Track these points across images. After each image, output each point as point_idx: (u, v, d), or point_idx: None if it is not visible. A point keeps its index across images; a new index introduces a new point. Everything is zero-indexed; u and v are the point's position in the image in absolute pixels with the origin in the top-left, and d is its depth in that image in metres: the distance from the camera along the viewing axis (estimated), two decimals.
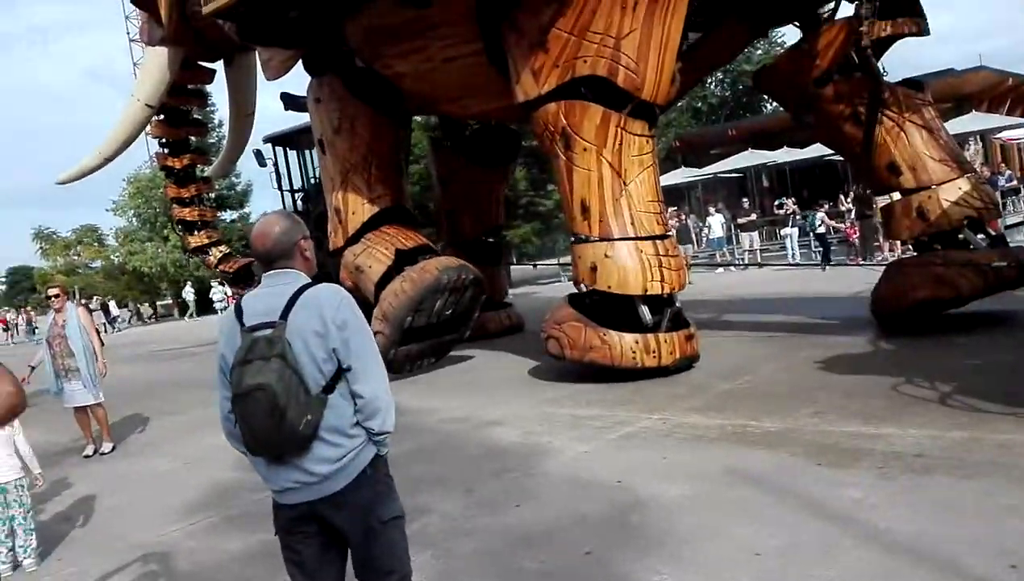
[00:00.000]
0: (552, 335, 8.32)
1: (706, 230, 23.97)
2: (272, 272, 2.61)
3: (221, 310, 29.75)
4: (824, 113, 9.40)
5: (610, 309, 8.06)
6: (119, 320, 35.53)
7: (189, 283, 34.93)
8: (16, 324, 38.75)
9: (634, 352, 7.79)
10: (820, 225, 19.26)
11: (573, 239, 8.38)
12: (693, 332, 8.26)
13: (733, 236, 23.24)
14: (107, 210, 37.79)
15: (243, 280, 16.39)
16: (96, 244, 42.29)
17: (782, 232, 23.06)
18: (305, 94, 11.48)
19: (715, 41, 9.50)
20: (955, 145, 9.18)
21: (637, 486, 4.75)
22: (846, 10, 9.27)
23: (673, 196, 28.29)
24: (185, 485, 6.37)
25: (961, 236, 8.76)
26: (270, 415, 2.37)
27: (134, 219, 37.13)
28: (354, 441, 2.53)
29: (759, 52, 31.25)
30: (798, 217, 21.82)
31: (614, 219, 7.97)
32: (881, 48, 8.98)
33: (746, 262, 20.94)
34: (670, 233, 8.48)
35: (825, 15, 9.59)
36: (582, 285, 8.29)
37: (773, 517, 4.04)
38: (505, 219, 15.99)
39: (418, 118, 17.46)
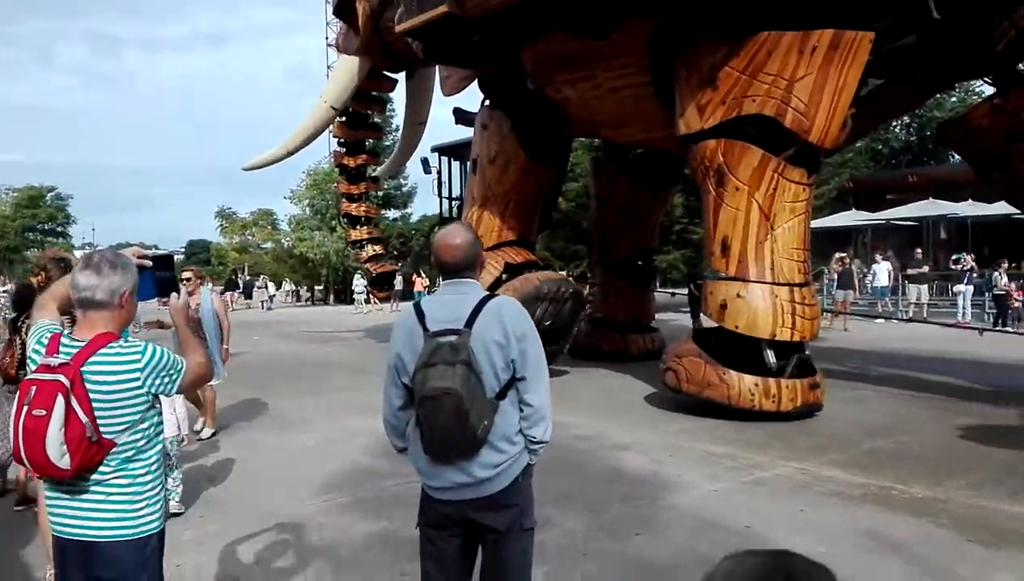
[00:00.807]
0: (671, 367, 8.43)
1: (870, 277, 22.74)
2: (454, 280, 2.73)
3: (362, 301, 31.06)
4: (1014, 171, 8.90)
5: (736, 349, 8.04)
6: (275, 299, 37.39)
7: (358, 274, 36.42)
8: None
9: (752, 394, 7.80)
10: (996, 286, 17.89)
11: (708, 274, 8.45)
12: (818, 381, 8.17)
13: (900, 287, 21.91)
14: (285, 198, 40.53)
15: (382, 283, 17.14)
16: (269, 227, 45.33)
17: (955, 289, 21.51)
18: (476, 111, 12.02)
19: (897, 90, 9.17)
20: None
21: (767, 535, 4.64)
22: None
23: (840, 238, 27.05)
24: (323, 463, 6.69)
25: None
26: (455, 418, 2.51)
27: (307, 208, 39.55)
28: (515, 448, 2.65)
29: (953, 100, 29.33)
30: (975, 275, 20.28)
31: (754, 261, 8.02)
32: None
33: (910, 315, 19.72)
34: (810, 282, 8.41)
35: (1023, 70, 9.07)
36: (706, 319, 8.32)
37: None
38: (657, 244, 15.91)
39: (582, 138, 17.74)
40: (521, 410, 2.66)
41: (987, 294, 18.90)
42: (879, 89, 9.52)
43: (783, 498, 5.42)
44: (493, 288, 10.33)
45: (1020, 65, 9.15)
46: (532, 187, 11.50)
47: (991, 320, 17.40)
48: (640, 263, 13.51)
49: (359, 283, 31.68)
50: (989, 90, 9.72)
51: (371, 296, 26.82)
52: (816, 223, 26.92)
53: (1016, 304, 17.72)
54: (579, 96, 10.18)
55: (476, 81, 12.16)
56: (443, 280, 2.78)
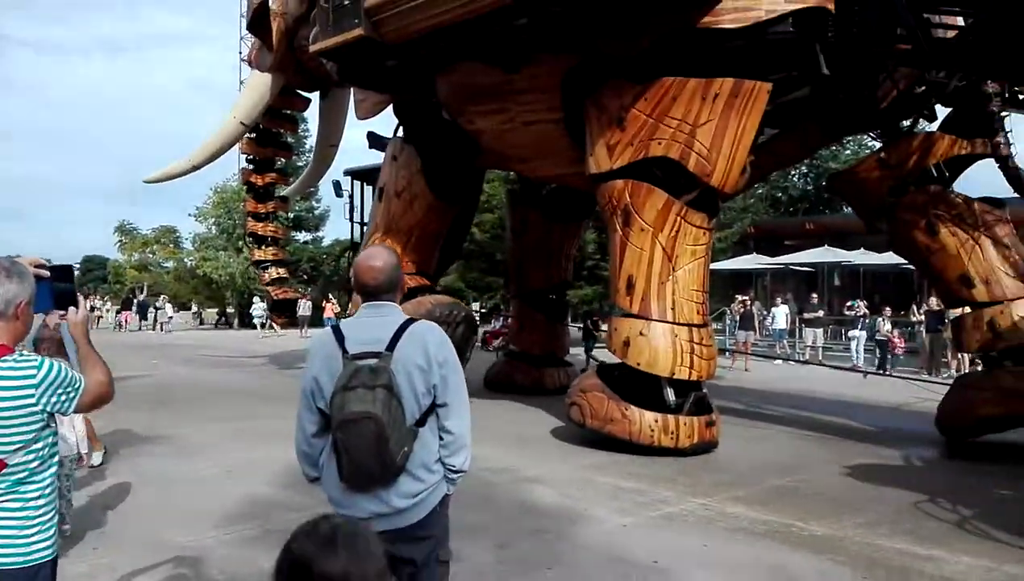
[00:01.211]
0: (576, 402, 8.62)
1: (769, 319, 23.61)
2: (375, 303, 2.69)
3: (260, 325, 30.29)
4: (898, 221, 9.51)
5: (638, 384, 8.29)
6: (173, 320, 34.78)
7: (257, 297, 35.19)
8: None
9: (652, 430, 8.05)
10: (879, 332, 18.91)
11: (613, 311, 8.71)
12: (714, 419, 8.50)
13: (797, 330, 22.81)
14: (189, 215, 39.28)
15: (283, 310, 16.70)
16: (172, 245, 43.71)
17: (849, 334, 22.60)
18: (390, 137, 12.03)
19: (789, 140, 9.74)
20: None
21: (673, 570, 4.74)
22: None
23: (742, 281, 28.08)
24: (226, 493, 6.50)
25: None
26: (376, 444, 2.44)
27: (213, 227, 38.34)
28: (434, 477, 2.60)
29: (847, 152, 31.03)
30: (867, 320, 21.36)
31: (656, 300, 8.29)
32: (957, 167, 9.07)
33: (806, 358, 20.56)
34: (708, 323, 8.77)
35: (905, 127, 9.80)
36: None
37: None
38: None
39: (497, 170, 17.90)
40: (441, 438, 2.61)
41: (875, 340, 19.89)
42: (773, 138, 10.01)
43: (689, 533, 5.53)
44: None
45: (904, 122, 9.78)
46: (436, 225, 11.72)
47: (877, 364, 18.31)
48: (554, 297, 13.71)
49: (258, 306, 30.87)
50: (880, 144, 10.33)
51: (272, 321, 25.83)
52: (719, 265, 27.97)
53: (898, 350, 18.71)
54: (492, 128, 10.34)
55: (391, 106, 12.11)
56: (363, 302, 2.73)
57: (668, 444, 8.03)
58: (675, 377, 8.20)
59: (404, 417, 2.49)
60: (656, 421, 8.05)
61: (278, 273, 16.43)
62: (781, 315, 22.34)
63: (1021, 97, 8.88)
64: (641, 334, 8.24)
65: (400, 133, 12.12)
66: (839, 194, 11.64)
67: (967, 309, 9.25)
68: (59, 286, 2.53)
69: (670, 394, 8.25)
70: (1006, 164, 8.33)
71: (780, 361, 20.17)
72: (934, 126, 9.89)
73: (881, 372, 16.65)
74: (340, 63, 10.44)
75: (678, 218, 8.32)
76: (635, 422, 8.08)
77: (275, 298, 16.37)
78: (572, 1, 8.00)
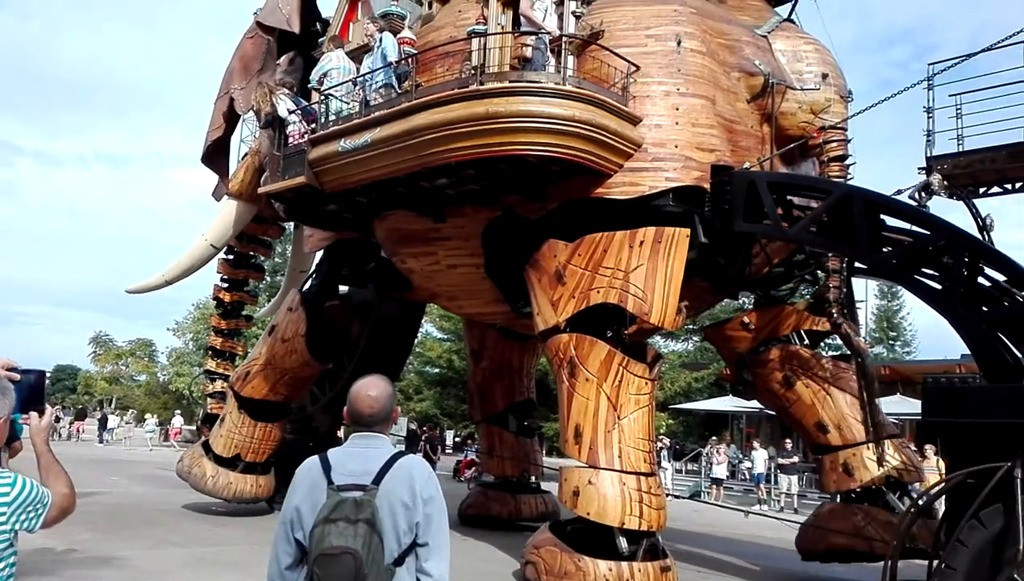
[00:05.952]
0: (529, 560, 9.24)
1: (748, 463, 24.63)
2: (365, 433, 2.82)
3: (149, 440, 32.17)
4: (758, 375, 11.22)
5: (591, 533, 9.00)
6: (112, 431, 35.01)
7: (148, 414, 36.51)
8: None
9: (607, 580, 8.62)
10: None
11: (565, 461, 9.69)
12: (669, 564, 9.08)
13: (773, 475, 23.68)
14: (168, 329, 40.84)
15: (213, 424, 17.76)
16: (146, 359, 45.08)
17: None
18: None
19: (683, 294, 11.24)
20: (879, 410, 10.60)
21: None
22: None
23: (717, 422, 29.24)
24: None
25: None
26: None
27: (191, 342, 39.89)
28: None
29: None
30: None
31: (603, 449, 8.97)
32: (819, 335, 10.88)
33: (781, 505, 21.49)
34: (655, 472, 9.50)
35: (787, 290, 11.79)
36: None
37: None
38: (540, 410, 17.48)
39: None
40: (418, 579, 2.69)
41: None
42: None
43: None
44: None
45: (787, 285, 11.52)
46: (307, 374, 13.83)
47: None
48: (518, 415, 14.67)
49: (150, 423, 32.85)
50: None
51: (201, 432, 26.14)
52: (694, 405, 29.28)
53: None
54: (421, 269, 12.04)
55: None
56: (355, 432, 2.88)
57: None
58: (625, 527, 8.69)
59: (383, 555, 2.55)
60: (610, 570, 8.47)
61: (224, 387, 17.52)
62: (760, 459, 23.34)
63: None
64: (590, 483, 8.78)
65: (304, 286, 14.46)
66: (713, 344, 13.34)
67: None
68: (27, 383, 2.62)
69: (622, 543, 8.73)
70: (849, 341, 10.00)
71: (759, 506, 20.99)
72: None
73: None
74: (287, 204, 12.40)
75: (620, 368, 9.09)
76: (589, 573, 8.50)
77: (210, 411, 17.27)
78: (482, 169, 9.62)
